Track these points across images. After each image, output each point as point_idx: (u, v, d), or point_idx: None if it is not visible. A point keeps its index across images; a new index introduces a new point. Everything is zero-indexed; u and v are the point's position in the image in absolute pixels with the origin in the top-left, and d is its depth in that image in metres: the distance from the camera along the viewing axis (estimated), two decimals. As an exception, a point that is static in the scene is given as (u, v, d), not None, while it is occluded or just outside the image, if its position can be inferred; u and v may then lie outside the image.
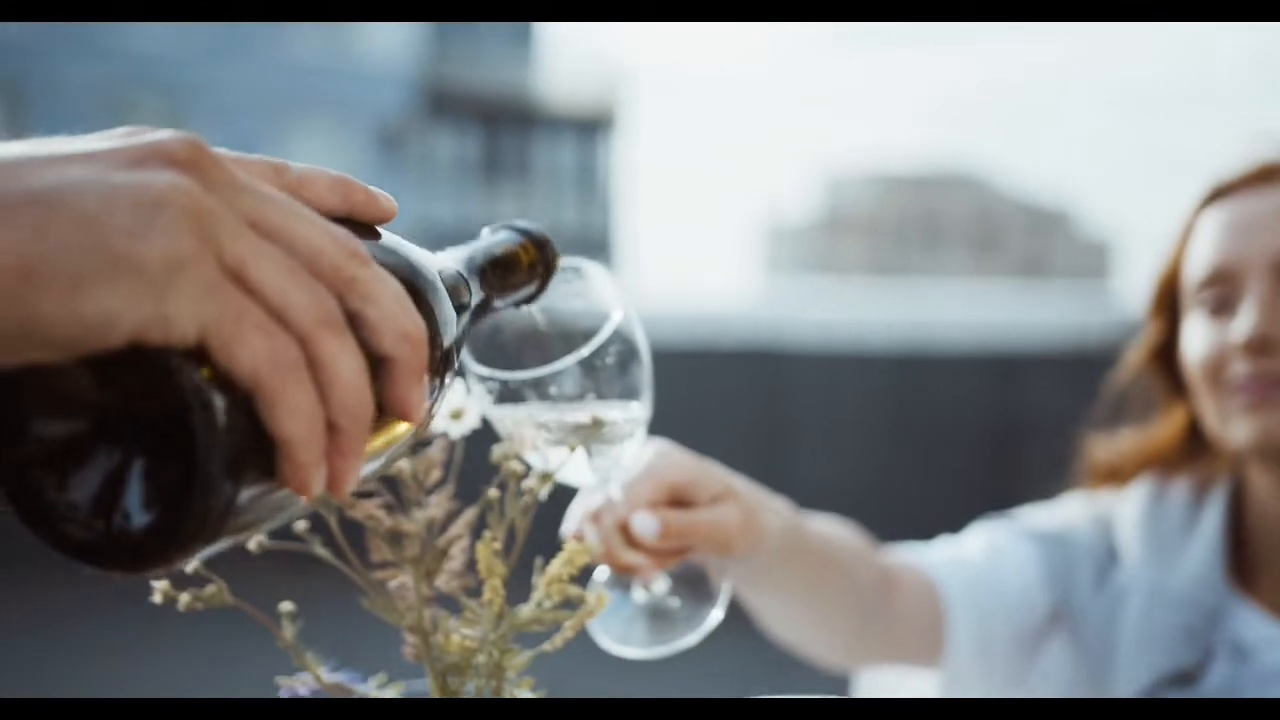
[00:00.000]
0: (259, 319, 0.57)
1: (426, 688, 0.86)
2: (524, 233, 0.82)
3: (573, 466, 0.97)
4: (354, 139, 31.77)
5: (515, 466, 0.88)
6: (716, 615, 1.08)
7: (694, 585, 1.10)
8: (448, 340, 0.71)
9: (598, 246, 35.44)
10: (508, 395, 0.95)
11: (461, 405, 0.91)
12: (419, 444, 0.87)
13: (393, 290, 0.64)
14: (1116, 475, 1.50)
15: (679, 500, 1.07)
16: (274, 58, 30.84)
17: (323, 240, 0.62)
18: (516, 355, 0.97)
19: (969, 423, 7.95)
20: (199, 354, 0.57)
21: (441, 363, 0.71)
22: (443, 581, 0.86)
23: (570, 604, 0.85)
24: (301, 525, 0.86)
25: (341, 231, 0.63)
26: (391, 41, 31.91)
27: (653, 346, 1.00)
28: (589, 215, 35.78)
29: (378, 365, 0.63)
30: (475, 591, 0.86)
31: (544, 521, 0.91)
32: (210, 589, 0.84)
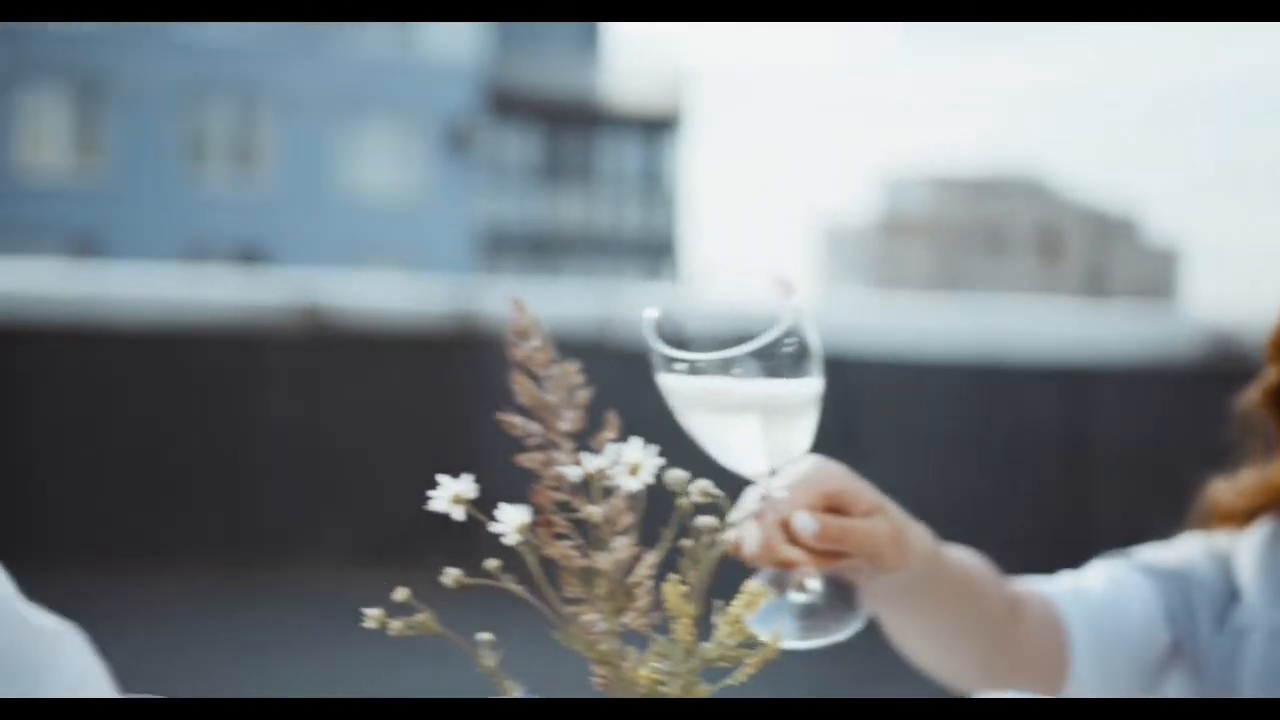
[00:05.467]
0: None
1: None
2: None
3: (746, 448, 1.10)
4: (419, 138, 32.00)
5: (685, 502, 0.94)
6: (859, 622, 1.17)
7: (842, 594, 1.19)
8: None
9: (661, 249, 35.48)
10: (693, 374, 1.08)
11: (639, 461, 0.96)
12: (608, 490, 0.93)
13: None
14: (1235, 516, 1.53)
15: (834, 508, 1.16)
16: (342, 56, 31.12)
17: None
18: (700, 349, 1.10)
19: (1037, 437, 7.93)
20: None
21: None
22: (630, 619, 0.93)
23: (748, 643, 0.92)
24: (494, 563, 0.92)
25: None
26: (457, 41, 32.09)
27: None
28: (652, 217, 35.83)
29: None
30: (659, 629, 0.93)
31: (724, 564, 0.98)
32: (420, 616, 0.92)
